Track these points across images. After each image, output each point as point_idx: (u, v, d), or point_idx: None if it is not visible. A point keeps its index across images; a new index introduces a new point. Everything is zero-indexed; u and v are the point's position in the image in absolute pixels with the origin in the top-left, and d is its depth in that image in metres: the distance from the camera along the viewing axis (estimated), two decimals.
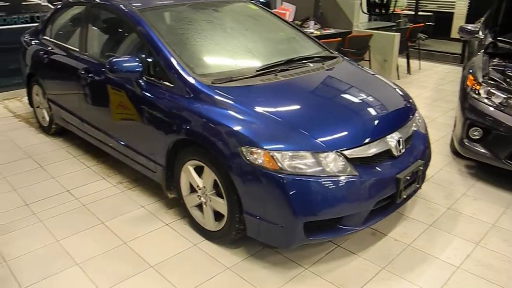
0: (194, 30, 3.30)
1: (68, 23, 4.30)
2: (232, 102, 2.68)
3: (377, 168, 2.64)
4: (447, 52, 8.34)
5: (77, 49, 3.84)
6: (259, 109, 2.64)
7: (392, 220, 3.16)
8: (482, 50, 4.21)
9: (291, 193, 2.39)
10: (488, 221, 3.21)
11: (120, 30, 3.60)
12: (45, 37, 4.48)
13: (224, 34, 3.45)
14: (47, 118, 4.62)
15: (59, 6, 4.48)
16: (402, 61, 7.33)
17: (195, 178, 2.87)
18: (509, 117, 3.43)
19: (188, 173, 2.90)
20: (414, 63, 7.70)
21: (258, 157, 2.44)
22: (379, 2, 6.73)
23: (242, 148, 2.47)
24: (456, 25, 9.49)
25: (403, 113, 3.04)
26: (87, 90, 3.68)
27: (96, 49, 3.75)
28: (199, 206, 2.96)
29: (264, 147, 2.43)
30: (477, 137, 3.65)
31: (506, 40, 4.27)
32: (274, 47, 3.56)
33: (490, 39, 4.36)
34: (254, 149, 2.45)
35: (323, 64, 3.36)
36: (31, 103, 4.98)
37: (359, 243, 2.93)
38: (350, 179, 2.49)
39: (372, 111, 2.87)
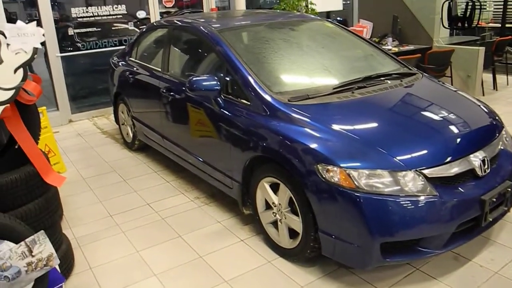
0: (271, 49, 3.37)
1: (152, 45, 4.57)
2: (308, 120, 2.69)
3: (459, 188, 2.51)
4: None
5: (160, 69, 4.07)
6: (335, 126, 2.63)
7: (478, 245, 2.96)
8: None
9: (367, 212, 2.33)
10: None
11: (200, 50, 3.76)
12: (131, 58, 4.80)
13: (301, 53, 3.48)
14: (131, 135, 4.91)
15: (144, 30, 4.78)
16: (487, 77, 6.93)
17: (270, 195, 2.89)
18: None
19: (264, 190, 2.93)
20: (501, 78, 7.25)
21: (334, 175, 2.41)
22: (461, 15, 6.43)
23: (318, 165, 2.46)
24: None
25: (488, 131, 2.87)
26: (168, 108, 3.87)
27: (177, 69, 3.94)
28: (274, 223, 2.97)
29: (341, 164, 2.41)
30: None
31: None
32: (351, 65, 3.52)
33: None
34: (330, 167, 2.43)
35: (401, 81, 3.27)
36: (117, 120, 5.33)
37: (440, 267, 2.78)
38: (430, 199, 2.38)
39: (453, 129, 2.74)
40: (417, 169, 2.41)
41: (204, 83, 3.10)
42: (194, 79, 3.11)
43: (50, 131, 4.51)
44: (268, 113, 2.84)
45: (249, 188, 3.08)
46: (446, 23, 6.60)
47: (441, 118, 2.82)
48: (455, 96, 3.29)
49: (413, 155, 2.48)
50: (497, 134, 2.88)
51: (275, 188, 2.87)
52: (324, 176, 2.43)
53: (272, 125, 2.78)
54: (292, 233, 2.83)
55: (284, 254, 2.93)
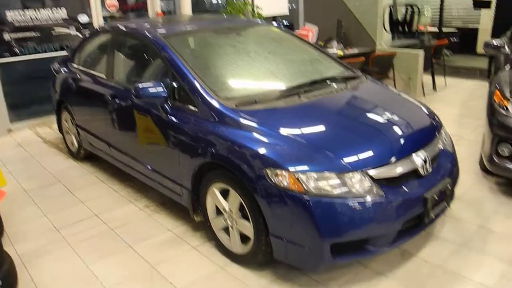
0: (218, 54, 3.37)
1: (96, 51, 4.44)
2: (256, 125, 2.70)
3: (403, 188, 2.60)
4: (474, 67, 8.22)
5: (104, 76, 3.96)
6: (283, 131, 2.66)
7: (421, 240, 3.09)
8: (508, 65, 4.14)
9: (317, 215, 2.37)
10: None
11: (145, 56, 3.69)
12: (73, 64, 4.63)
13: (247, 58, 3.50)
14: (76, 144, 4.74)
15: (87, 35, 4.64)
16: (427, 78, 7.26)
17: (221, 201, 2.88)
18: None
19: (214, 196, 2.92)
20: (439, 80, 7.62)
21: (283, 179, 2.44)
22: (402, 20, 6.70)
23: (267, 170, 2.48)
24: (482, 40, 9.36)
25: (429, 131, 3.00)
26: (114, 115, 3.78)
27: (122, 76, 3.85)
28: (226, 229, 2.96)
29: (289, 168, 2.44)
30: (507, 154, 3.57)
31: None
32: (297, 69, 3.58)
33: None
34: (278, 171, 2.45)
35: (346, 84, 3.37)
36: (60, 129, 5.13)
37: (387, 263, 2.87)
38: (377, 200, 2.46)
39: (396, 130, 2.84)
40: (363, 170, 2.48)
41: (151, 90, 3.05)
42: (140, 86, 3.05)
43: None
44: (216, 119, 2.84)
45: (199, 195, 3.06)
46: (387, 27, 6.87)
47: (385, 120, 2.92)
48: (397, 98, 3.42)
49: (359, 156, 2.55)
50: (437, 134, 3.02)
51: (225, 194, 2.87)
52: (273, 180, 2.46)
53: (220, 131, 2.77)
54: (244, 238, 2.83)
55: (236, 259, 2.93)
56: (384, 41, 6.75)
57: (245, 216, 2.76)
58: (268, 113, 2.84)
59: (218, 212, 2.98)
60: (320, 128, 2.79)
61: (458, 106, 6.45)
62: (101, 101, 3.89)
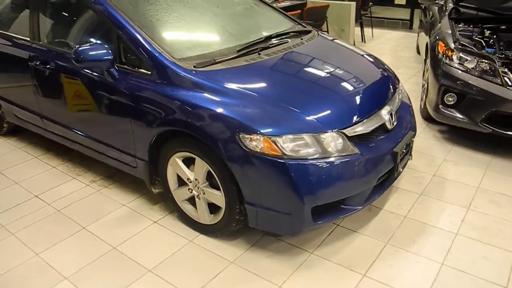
0: (163, 10, 3.03)
1: (15, 10, 3.85)
2: (221, 87, 2.49)
3: (374, 144, 2.58)
4: (396, 18, 8.46)
5: (28, 38, 3.45)
6: (251, 92, 2.48)
7: (385, 194, 3.14)
8: (447, 16, 4.23)
9: (296, 178, 2.27)
10: (473, 184, 3.27)
11: (81, 15, 3.24)
12: None
13: (196, 13, 3.20)
14: None
15: None
16: (356, 30, 7.33)
17: (184, 171, 2.68)
18: (482, 81, 3.48)
19: (176, 166, 2.71)
20: (367, 31, 7.74)
21: (258, 143, 2.29)
22: None
23: (240, 135, 2.31)
24: None
25: (391, 85, 2.98)
26: (45, 84, 3.33)
27: (52, 38, 3.37)
28: (190, 200, 2.78)
29: (264, 132, 2.29)
30: (452, 103, 3.70)
31: (468, 5, 4.32)
32: (249, 25, 3.36)
33: (451, 5, 4.39)
34: (253, 136, 2.29)
35: (301, 39, 3.22)
36: None
37: (357, 220, 2.89)
38: (354, 158, 2.41)
39: (364, 86, 2.78)
40: (338, 129, 2.41)
41: (92, 53, 2.68)
42: (80, 49, 2.67)
43: None
44: (174, 82, 2.57)
45: (158, 166, 2.83)
46: None
47: (351, 76, 2.85)
48: (354, 53, 3.34)
49: (333, 116, 2.46)
50: (397, 87, 3.02)
51: (187, 163, 2.67)
52: (247, 146, 2.30)
53: (180, 95, 2.52)
54: (212, 208, 2.68)
55: (205, 230, 2.78)
56: None
57: (213, 185, 2.60)
58: (231, 73, 2.62)
59: (180, 182, 2.79)
60: (290, 87, 2.64)
61: (389, 57, 6.61)
62: (26, 67, 3.41)
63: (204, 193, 2.64)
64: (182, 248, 2.68)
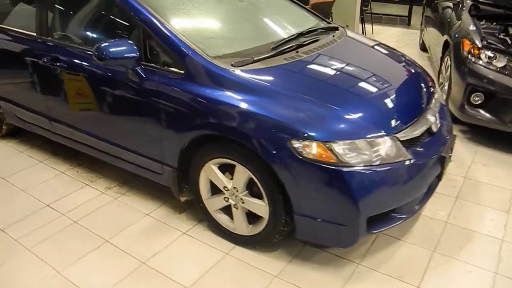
0: (189, 5, 2.82)
1: (8, 2, 3.55)
2: (266, 88, 2.30)
3: (423, 148, 2.43)
4: (394, 14, 8.38)
5: (34, 33, 3.17)
6: (299, 94, 2.29)
7: None
8: (467, 13, 4.13)
9: (353, 186, 2.10)
10: (507, 187, 3.18)
11: (97, 7, 2.99)
12: None
13: (222, 8, 2.99)
14: None
15: None
16: (357, 26, 7.22)
17: (221, 178, 2.48)
18: None
19: (211, 173, 2.50)
20: (367, 27, 7.63)
21: (311, 149, 2.11)
22: None
23: (291, 140, 2.12)
24: None
25: (430, 86, 2.85)
26: (57, 83, 3.05)
27: (63, 33, 3.10)
28: (225, 209, 2.59)
29: (319, 138, 2.10)
30: (478, 102, 3.60)
31: (488, 2, 4.23)
32: (276, 20, 3.16)
33: (470, 1, 4.29)
34: (305, 141, 2.11)
35: (333, 36, 3.05)
36: None
37: (398, 227, 2.69)
38: (408, 164, 2.25)
39: (409, 88, 2.64)
40: (393, 134, 2.25)
41: (117, 49, 2.44)
42: (103, 45, 2.43)
43: None
44: (212, 82, 2.37)
45: (188, 173, 2.62)
46: None
47: (394, 77, 2.69)
48: (389, 52, 3.17)
49: (385, 119, 2.30)
50: (435, 88, 2.89)
51: (223, 169, 2.47)
52: (299, 152, 2.11)
53: (221, 96, 2.32)
54: (250, 218, 2.49)
55: (242, 241, 2.59)
56: None
57: (253, 194, 2.41)
58: (273, 72, 2.42)
59: (214, 190, 2.59)
60: (337, 88, 2.47)
61: None
62: (33, 65, 3.14)
63: (243, 202, 2.45)
64: (219, 261, 2.49)
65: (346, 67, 2.69)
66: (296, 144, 2.12)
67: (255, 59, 2.48)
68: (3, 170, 3.46)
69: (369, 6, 7.40)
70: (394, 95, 2.51)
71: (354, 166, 2.11)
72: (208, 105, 2.35)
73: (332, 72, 2.61)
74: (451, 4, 4.72)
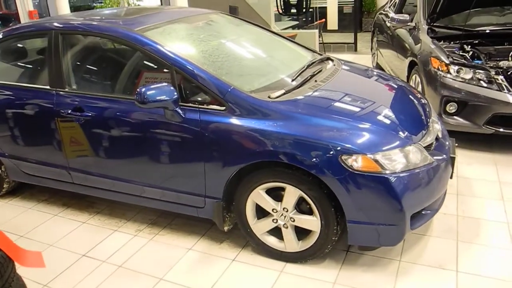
0: (208, 46, 3.06)
1: (15, 58, 3.56)
2: (309, 114, 2.59)
3: (436, 152, 2.80)
4: (342, 42, 9.08)
5: (48, 86, 3.20)
6: (336, 116, 2.60)
7: None
8: (426, 35, 4.68)
9: (398, 190, 2.41)
10: (493, 179, 3.64)
11: (121, 56, 3.13)
12: None
13: (235, 48, 3.26)
14: None
15: None
16: None
17: (270, 202, 2.67)
18: (481, 89, 3.93)
19: (259, 198, 2.69)
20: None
21: (359, 163, 2.40)
22: (293, 2, 6.99)
23: (342, 157, 2.40)
24: (330, 18, 10.35)
25: (426, 100, 3.27)
26: (80, 133, 3.09)
27: (85, 83, 3.18)
28: (272, 231, 2.77)
29: (364, 151, 2.41)
30: (453, 111, 4.10)
31: (443, 25, 4.85)
32: (282, 56, 3.48)
33: (425, 26, 4.86)
34: (354, 156, 2.40)
35: (334, 65, 3.41)
36: None
37: (427, 226, 3.02)
38: (433, 166, 2.61)
39: (413, 103, 3.06)
40: (417, 142, 2.62)
41: (158, 92, 2.60)
42: (144, 89, 2.58)
43: None
44: (256, 114, 2.59)
45: (234, 201, 2.79)
46: (281, 10, 7.09)
47: (400, 95, 3.11)
48: (384, 75, 3.61)
49: (411, 130, 2.68)
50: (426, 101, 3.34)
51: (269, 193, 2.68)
52: (350, 166, 2.40)
53: (267, 126, 2.54)
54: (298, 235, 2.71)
55: (292, 258, 2.77)
56: (284, 21, 6.95)
57: (301, 211, 2.64)
58: (307, 100, 2.72)
59: (259, 214, 2.77)
60: (364, 108, 2.79)
61: None
62: (49, 118, 3.16)
63: (293, 221, 2.66)
64: (277, 280, 2.65)
65: (360, 90, 3.05)
66: (346, 159, 2.39)
67: (286, 90, 2.75)
68: (18, 228, 3.37)
69: (321, 37, 8.00)
70: (410, 109, 2.91)
71: (395, 172, 2.43)
72: (256, 136, 2.56)
73: (352, 95, 2.94)
74: (406, 29, 5.30)
